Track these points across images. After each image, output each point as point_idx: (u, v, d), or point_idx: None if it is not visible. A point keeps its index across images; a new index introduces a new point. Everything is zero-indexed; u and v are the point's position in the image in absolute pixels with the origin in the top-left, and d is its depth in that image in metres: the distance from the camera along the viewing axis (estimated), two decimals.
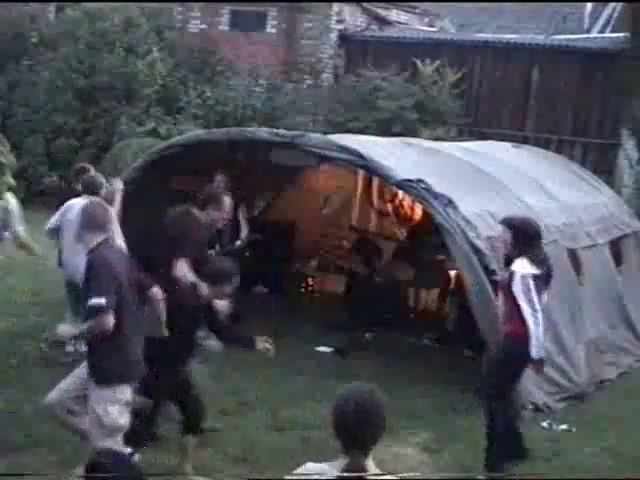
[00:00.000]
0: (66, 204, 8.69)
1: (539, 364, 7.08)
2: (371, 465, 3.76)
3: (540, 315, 6.93)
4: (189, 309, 6.46)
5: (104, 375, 5.92)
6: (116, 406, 5.92)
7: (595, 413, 8.55)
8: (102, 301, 5.70)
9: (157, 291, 6.28)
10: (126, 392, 5.97)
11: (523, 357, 6.98)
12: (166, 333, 6.28)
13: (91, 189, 8.57)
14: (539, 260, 7.08)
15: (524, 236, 7.10)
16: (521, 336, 6.91)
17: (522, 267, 6.95)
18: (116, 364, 5.89)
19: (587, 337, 9.42)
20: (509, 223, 7.23)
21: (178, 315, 6.31)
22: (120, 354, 5.89)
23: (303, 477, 3.77)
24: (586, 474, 7.13)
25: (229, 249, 9.57)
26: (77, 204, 8.03)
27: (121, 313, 5.82)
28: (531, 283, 6.90)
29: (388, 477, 3.86)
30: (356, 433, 3.75)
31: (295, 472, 3.83)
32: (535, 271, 6.97)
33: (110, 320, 5.74)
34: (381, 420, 3.81)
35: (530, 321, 6.88)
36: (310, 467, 3.82)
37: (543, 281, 7.10)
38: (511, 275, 6.97)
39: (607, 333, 9.98)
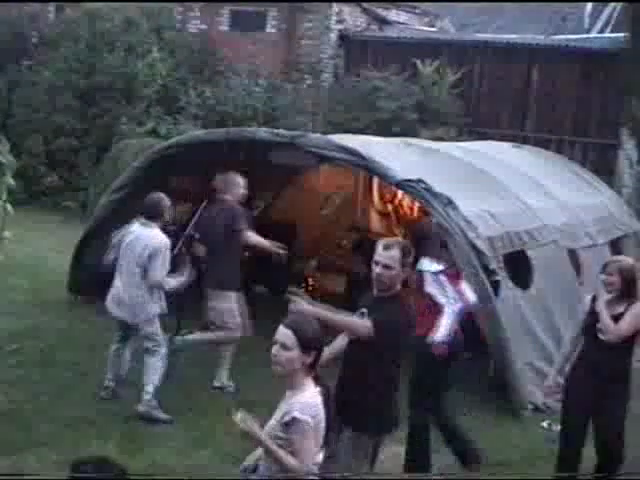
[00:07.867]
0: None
1: (440, 348, 6.97)
2: None
3: (458, 305, 7.10)
4: None
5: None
6: None
7: None
8: None
9: None
10: None
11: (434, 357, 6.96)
12: None
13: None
14: (440, 256, 7.34)
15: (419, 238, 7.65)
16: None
17: (429, 266, 7.17)
18: None
19: None
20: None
21: None
22: None
23: None
24: (586, 474, 7.11)
25: None
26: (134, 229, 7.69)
27: None
28: (442, 278, 7.10)
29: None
30: None
31: None
32: (440, 267, 7.19)
33: None
34: None
35: (447, 314, 7.00)
36: None
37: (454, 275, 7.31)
38: (420, 275, 7.11)
39: None
